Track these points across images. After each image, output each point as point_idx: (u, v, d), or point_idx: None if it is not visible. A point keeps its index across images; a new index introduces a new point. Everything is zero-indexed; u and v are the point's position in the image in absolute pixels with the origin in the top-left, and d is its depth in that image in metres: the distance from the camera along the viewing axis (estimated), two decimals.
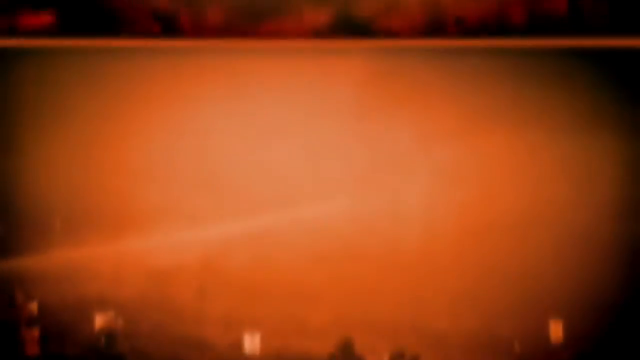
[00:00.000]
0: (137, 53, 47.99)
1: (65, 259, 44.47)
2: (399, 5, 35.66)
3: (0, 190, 48.31)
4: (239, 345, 30.03)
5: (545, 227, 41.95)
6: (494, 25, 34.37)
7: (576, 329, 30.78)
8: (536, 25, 35.14)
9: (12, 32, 33.91)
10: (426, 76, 50.12)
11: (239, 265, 43.19)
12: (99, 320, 24.93)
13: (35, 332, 23.19)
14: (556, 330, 28.67)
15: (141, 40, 40.61)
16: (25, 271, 41.33)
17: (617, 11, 35.91)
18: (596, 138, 47.13)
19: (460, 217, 43.70)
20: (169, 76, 50.47)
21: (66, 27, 35.40)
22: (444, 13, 35.87)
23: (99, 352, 17.20)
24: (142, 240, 48.58)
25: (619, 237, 41.25)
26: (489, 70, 50.14)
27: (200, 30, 39.29)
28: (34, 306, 25.18)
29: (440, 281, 39.95)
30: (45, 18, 36.68)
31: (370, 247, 43.54)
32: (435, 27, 34.08)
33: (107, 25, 35.20)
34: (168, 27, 35.55)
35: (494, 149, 46.76)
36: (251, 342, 28.75)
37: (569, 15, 36.94)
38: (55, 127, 49.69)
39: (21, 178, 46.82)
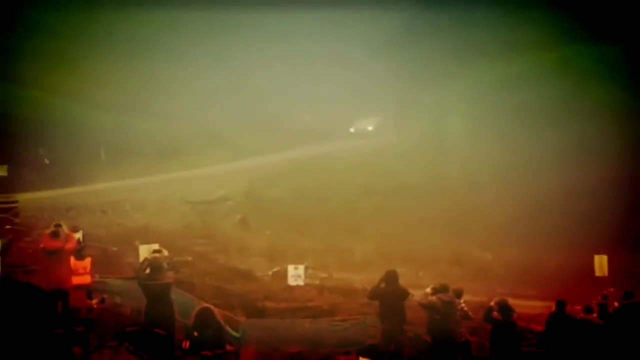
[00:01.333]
0: None
1: (111, 190, 44.41)
2: None
3: (47, 122, 48.20)
4: (283, 276, 30.06)
5: (586, 164, 41.02)
6: None
7: (620, 264, 30.34)
8: None
9: None
10: None
11: (282, 196, 42.89)
12: (144, 251, 25.02)
13: (87, 263, 23.48)
14: (601, 265, 28.33)
15: None
16: (71, 202, 41.33)
17: None
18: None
19: (505, 151, 42.80)
20: (210, 8, 49.43)
21: None
22: None
23: (143, 282, 17.21)
24: (186, 172, 48.29)
25: None
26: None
27: None
28: (79, 236, 25.28)
29: (484, 214, 39.36)
30: None
31: (415, 180, 42.93)
32: None
33: None
34: None
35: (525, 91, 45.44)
36: (295, 274, 28.74)
37: None
38: (99, 62, 49.00)
39: (67, 111, 46.61)
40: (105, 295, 25.14)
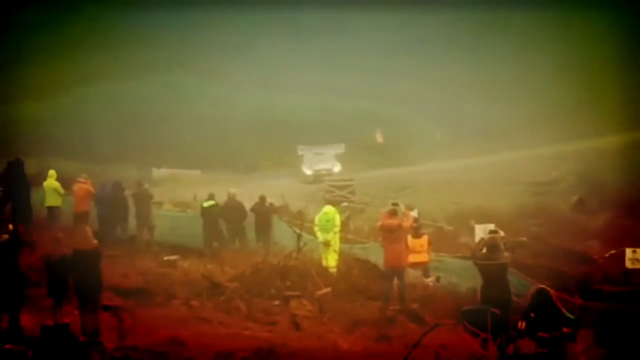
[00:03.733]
0: None
1: (444, 170, 44.93)
2: None
3: (382, 104, 49.35)
4: (620, 258, 29.21)
5: None
6: None
7: None
8: None
9: None
10: None
11: (618, 178, 41.43)
12: (479, 230, 25.20)
13: (424, 241, 24.04)
14: None
15: None
16: (405, 180, 42.19)
17: None
18: None
19: None
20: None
21: None
22: None
23: (480, 261, 17.41)
24: (515, 152, 47.82)
25: None
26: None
27: None
28: (415, 214, 25.82)
29: None
30: None
31: None
32: None
33: None
34: None
35: None
36: (633, 257, 27.86)
37: None
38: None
39: (403, 93, 47.37)
40: (440, 274, 25.54)
